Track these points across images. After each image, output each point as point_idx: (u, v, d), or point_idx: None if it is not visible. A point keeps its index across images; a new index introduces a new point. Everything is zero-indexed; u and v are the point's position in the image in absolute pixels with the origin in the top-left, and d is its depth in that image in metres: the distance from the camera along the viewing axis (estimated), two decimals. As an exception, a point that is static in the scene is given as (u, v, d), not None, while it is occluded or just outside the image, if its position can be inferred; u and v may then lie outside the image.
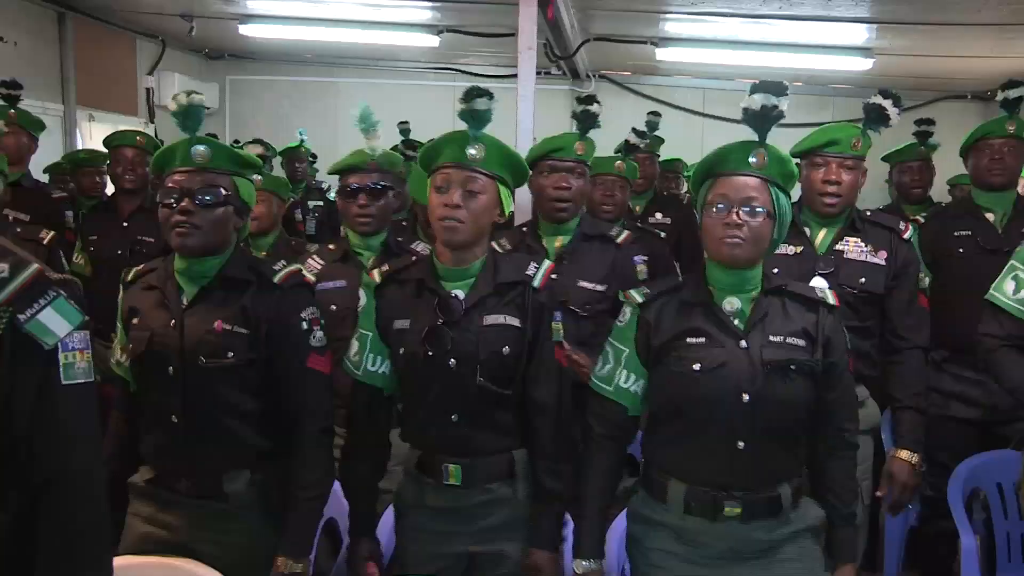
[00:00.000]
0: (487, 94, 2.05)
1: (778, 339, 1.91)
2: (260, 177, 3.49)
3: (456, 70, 7.04)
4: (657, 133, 4.52)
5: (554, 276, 2.13)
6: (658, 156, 5.00)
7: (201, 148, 2.01)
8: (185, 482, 2.04)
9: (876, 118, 2.68)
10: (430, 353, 2.01)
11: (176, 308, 2.02)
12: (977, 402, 3.08)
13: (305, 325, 2.07)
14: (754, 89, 1.95)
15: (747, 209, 1.87)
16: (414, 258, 2.20)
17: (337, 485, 2.38)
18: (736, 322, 1.94)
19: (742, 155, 1.91)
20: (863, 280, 2.61)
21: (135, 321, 2.05)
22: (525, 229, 2.92)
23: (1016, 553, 2.80)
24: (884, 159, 4.47)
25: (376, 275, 2.14)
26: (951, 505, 2.82)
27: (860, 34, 4.77)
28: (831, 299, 1.99)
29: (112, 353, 2.17)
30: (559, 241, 2.77)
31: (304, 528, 2.06)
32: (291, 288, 2.08)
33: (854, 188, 2.67)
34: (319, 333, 2.10)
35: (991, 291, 2.56)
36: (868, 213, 2.84)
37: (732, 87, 6.83)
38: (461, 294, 2.04)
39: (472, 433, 2.05)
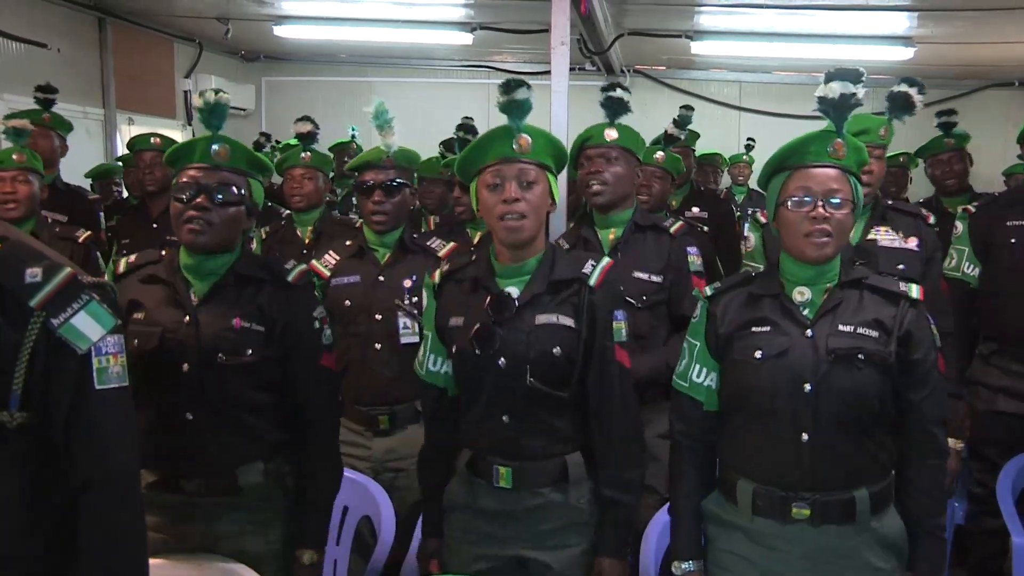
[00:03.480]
0: (525, 84, 2.01)
1: (847, 328, 1.85)
2: (308, 154, 3.58)
3: (490, 67, 7.03)
4: (693, 128, 4.50)
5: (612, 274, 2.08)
6: (694, 151, 4.97)
7: (219, 146, 2.00)
8: (196, 482, 2.02)
9: (902, 105, 2.65)
10: (479, 352, 1.98)
11: (189, 304, 2.00)
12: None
13: (317, 324, 2.10)
14: (829, 77, 1.89)
15: (833, 201, 1.83)
16: (473, 256, 2.18)
17: (366, 480, 2.46)
18: (806, 312, 1.89)
19: (821, 146, 1.87)
20: (902, 267, 2.59)
21: (138, 316, 2.01)
22: (572, 224, 2.90)
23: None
24: (915, 155, 4.41)
25: (436, 276, 2.14)
26: (1000, 502, 2.76)
27: (901, 22, 4.69)
28: (915, 293, 1.92)
29: None
30: (612, 233, 2.72)
31: (319, 520, 2.12)
32: (304, 287, 2.11)
33: (881, 177, 2.68)
34: (327, 331, 2.13)
35: None
36: (889, 203, 2.83)
37: (769, 80, 6.79)
38: (515, 291, 2.01)
39: (523, 435, 2.02)
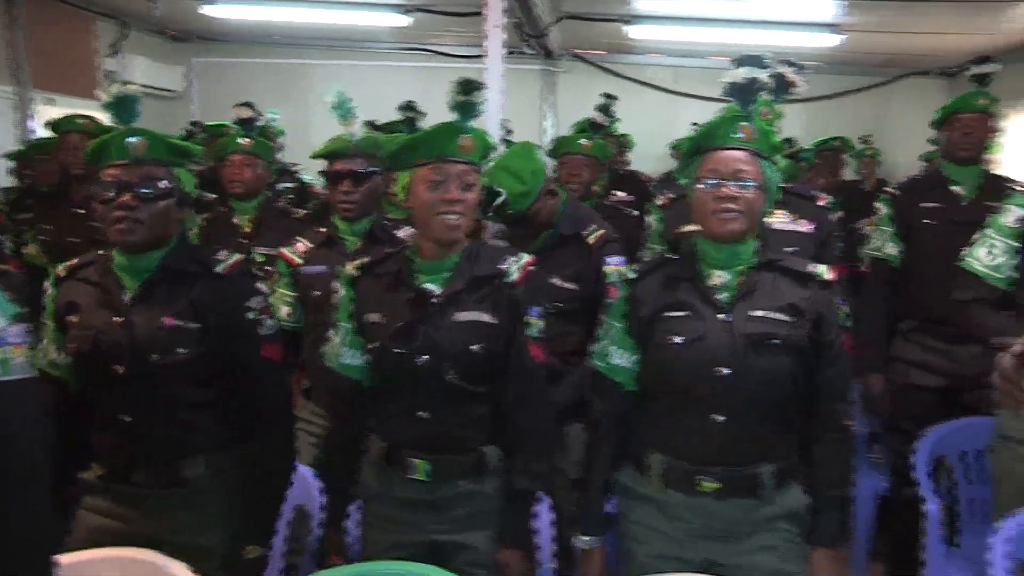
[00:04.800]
0: (481, 86, 2.06)
1: (762, 313, 1.94)
2: (248, 139, 3.54)
3: (427, 50, 7.06)
4: (632, 112, 4.62)
5: (535, 268, 2.14)
6: (620, 137, 5.12)
7: (136, 140, 1.94)
8: (141, 474, 2.01)
9: (784, 86, 2.80)
10: (404, 351, 2.01)
11: (120, 305, 1.98)
12: (942, 371, 3.17)
13: (253, 315, 2.06)
14: (736, 63, 2.03)
15: (738, 183, 1.91)
16: (388, 251, 2.20)
17: (307, 471, 2.42)
18: (723, 296, 1.98)
19: (729, 129, 1.95)
20: (795, 249, 2.71)
21: (74, 319, 2.00)
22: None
23: (977, 517, 2.89)
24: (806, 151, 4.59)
25: (352, 268, 2.15)
26: (915, 472, 2.91)
27: (829, 10, 4.84)
28: (825, 275, 2.01)
29: (44, 352, 2.07)
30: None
31: (266, 514, 2.08)
32: (237, 278, 2.07)
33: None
34: (268, 321, 2.10)
35: (966, 258, 2.70)
36: (786, 186, 2.93)
37: (703, 65, 6.90)
38: (436, 288, 2.05)
39: (442, 430, 2.05)
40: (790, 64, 2.86)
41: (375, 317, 2.07)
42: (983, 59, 3.40)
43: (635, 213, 3.95)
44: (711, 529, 1.98)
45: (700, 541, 1.99)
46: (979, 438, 2.85)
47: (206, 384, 2.03)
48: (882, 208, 3.41)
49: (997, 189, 3.09)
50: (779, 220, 2.86)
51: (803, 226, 2.86)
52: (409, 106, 4.16)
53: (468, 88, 2.03)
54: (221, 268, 2.05)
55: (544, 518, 2.28)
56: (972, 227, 2.77)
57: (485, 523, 2.09)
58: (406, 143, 2.06)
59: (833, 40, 5.40)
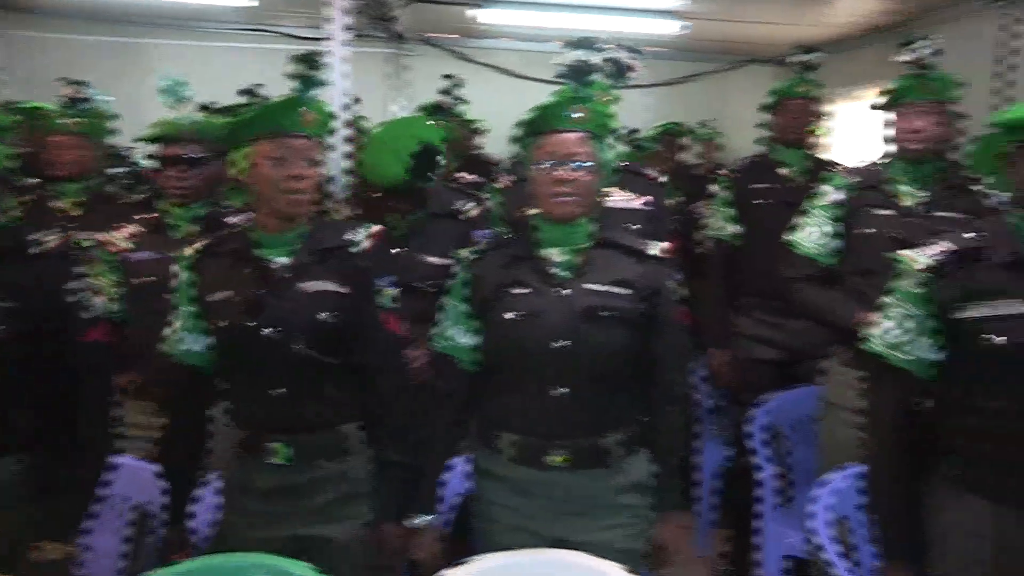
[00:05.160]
0: (321, 59, 2.05)
1: (598, 287, 2.02)
2: (77, 120, 3.38)
3: (272, 31, 6.89)
4: (484, 96, 4.66)
5: (401, 251, 2.14)
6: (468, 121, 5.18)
7: None
8: None
9: (618, 72, 2.93)
10: (249, 324, 1.99)
11: None
12: (777, 344, 3.34)
13: (75, 296, 2.02)
14: (569, 46, 2.09)
15: (573, 165, 1.97)
16: (229, 230, 2.17)
17: (146, 467, 2.40)
18: (561, 272, 2.04)
19: (563, 111, 2.00)
20: (637, 225, 2.85)
21: None
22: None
23: (810, 480, 3.04)
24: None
25: (192, 249, 2.12)
26: (750, 440, 3.07)
27: (672, -2, 5.02)
28: (658, 251, 2.11)
29: None
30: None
31: (73, 510, 2.02)
32: (55, 259, 2.02)
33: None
34: (98, 303, 2.07)
35: (790, 236, 2.87)
36: (625, 164, 3.09)
37: (551, 49, 6.93)
38: (282, 261, 2.03)
39: (297, 407, 2.04)
40: (629, 50, 2.98)
41: (220, 295, 2.03)
42: (807, 48, 3.61)
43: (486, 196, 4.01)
44: (564, 504, 2.05)
45: (553, 517, 2.05)
46: (809, 406, 3.04)
47: (25, 370, 1.96)
48: (719, 189, 3.55)
49: (822, 171, 3.28)
50: (618, 197, 2.97)
51: (640, 202, 2.98)
52: (251, 90, 4.08)
53: (308, 61, 2.02)
54: (40, 248, 1.99)
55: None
56: (800, 207, 2.95)
57: (353, 511, 2.08)
58: (245, 118, 2.02)
59: (675, 27, 5.58)
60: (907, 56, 2.76)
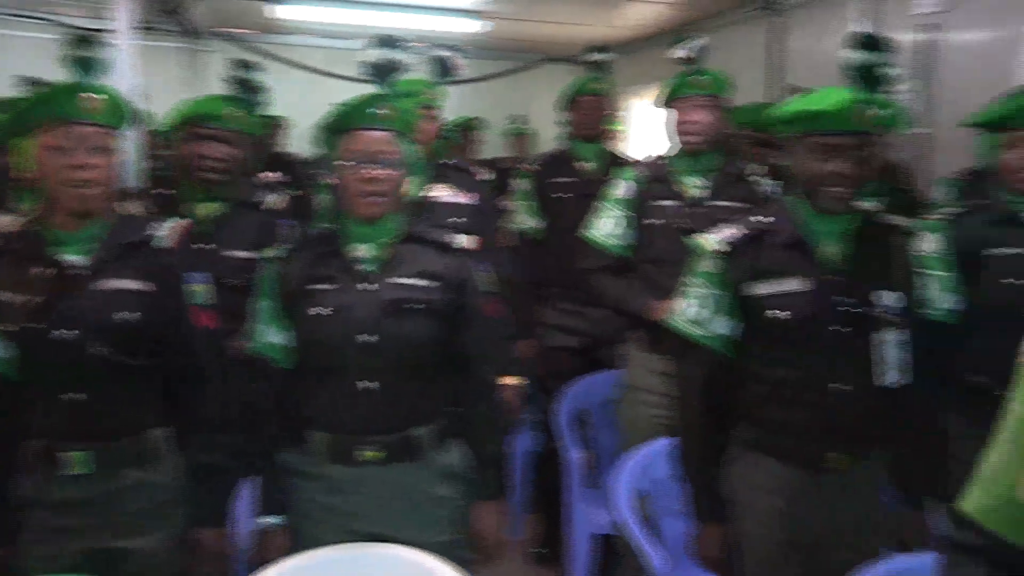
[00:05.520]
0: (98, 40, 1.97)
1: (404, 281, 2.03)
2: None
3: (48, 20, 6.48)
4: (286, 93, 4.57)
5: (208, 246, 2.07)
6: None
7: None
8: None
9: (441, 70, 3.02)
10: (37, 326, 1.89)
11: None
12: (579, 332, 3.45)
13: None
14: (372, 44, 2.08)
15: (379, 163, 1.97)
16: (11, 229, 2.04)
17: None
18: (367, 267, 2.04)
19: (368, 109, 2.00)
20: (463, 219, 2.91)
21: None
22: None
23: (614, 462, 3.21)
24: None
25: None
26: (556, 425, 3.17)
27: (472, -3, 5.11)
28: (464, 243, 2.14)
29: None
30: (205, 209, 2.66)
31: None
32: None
33: (432, 137, 2.96)
34: None
35: (586, 229, 2.98)
36: (451, 162, 3.17)
37: (354, 47, 6.88)
38: (79, 259, 1.94)
39: (99, 414, 1.95)
40: (454, 49, 3.04)
41: (5, 296, 1.92)
42: (599, 48, 3.77)
43: (296, 193, 3.96)
44: (380, 499, 2.05)
45: (370, 513, 2.05)
46: (611, 390, 3.18)
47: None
48: (520, 184, 3.65)
49: (616, 165, 3.44)
50: (445, 194, 3.02)
51: (466, 198, 3.03)
52: (32, 80, 3.84)
53: (83, 42, 1.94)
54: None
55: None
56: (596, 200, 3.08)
57: (157, 523, 2.01)
58: (22, 107, 1.91)
59: (476, 26, 5.68)
60: (678, 53, 2.94)
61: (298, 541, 2.06)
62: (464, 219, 2.94)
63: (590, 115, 3.62)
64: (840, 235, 2.07)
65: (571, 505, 3.19)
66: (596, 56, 3.74)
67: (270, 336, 2.09)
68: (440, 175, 3.03)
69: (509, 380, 2.98)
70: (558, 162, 3.67)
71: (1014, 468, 1.01)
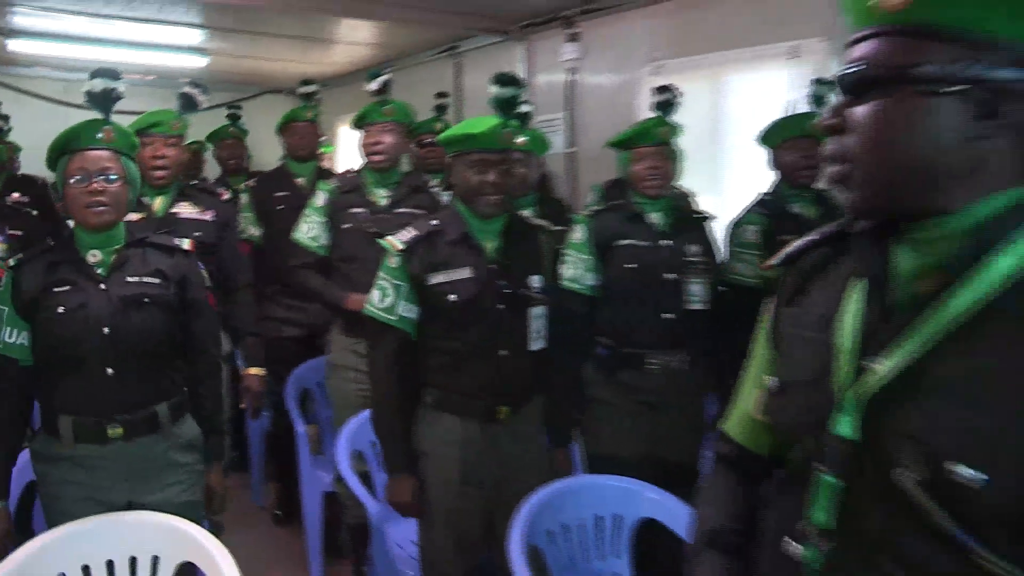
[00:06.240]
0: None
1: (134, 279, 1.97)
2: None
3: None
4: (25, 121, 4.06)
5: None
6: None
7: None
8: None
9: (187, 104, 2.83)
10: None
11: None
12: (300, 323, 3.36)
13: None
14: (93, 75, 1.98)
15: (106, 177, 1.89)
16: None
17: None
18: (100, 270, 1.96)
19: (92, 132, 1.92)
20: (199, 233, 2.72)
21: None
22: None
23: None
24: (207, 139, 4.65)
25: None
26: (287, 404, 3.08)
27: (195, 36, 4.75)
28: (186, 246, 2.10)
29: None
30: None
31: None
32: None
33: (177, 162, 2.79)
34: None
35: (293, 233, 2.91)
36: (193, 183, 3.06)
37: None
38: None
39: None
40: (196, 85, 2.88)
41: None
42: (307, 81, 3.67)
43: (35, 212, 3.50)
44: (126, 471, 1.97)
45: (118, 484, 1.97)
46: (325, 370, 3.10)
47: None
48: (244, 198, 3.50)
49: (322, 178, 3.33)
50: (187, 210, 2.85)
51: (208, 215, 2.87)
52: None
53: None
54: None
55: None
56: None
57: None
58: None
59: (200, 62, 5.33)
60: (371, 86, 2.92)
61: (51, 519, 1.97)
62: (201, 232, 2.77)
63: (303, 139, 3.56)
64: (496, 233, 2.14)
65: (302, 471, 3.07)
66: (307, 88, 3.67)
67: (7, 338, 1.97)
68: (184, 195, 2.87)
69: (254, 371, 2.87)
70: (277, 178, 3.57)
71: (748, 395, 1.07)
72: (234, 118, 4.55)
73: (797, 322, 0.94)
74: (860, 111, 0.80)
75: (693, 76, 3.45)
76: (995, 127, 0.75)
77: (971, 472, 0.70)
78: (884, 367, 0.78)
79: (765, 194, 2.70)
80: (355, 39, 4.86)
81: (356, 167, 3.04)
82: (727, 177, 3.46)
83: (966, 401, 0.73)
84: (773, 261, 1.00)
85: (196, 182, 3.11)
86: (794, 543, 0.86)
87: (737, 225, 2.63)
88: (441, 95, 4.00)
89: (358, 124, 2.95)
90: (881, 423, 0.78)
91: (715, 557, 1.01)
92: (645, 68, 3.62)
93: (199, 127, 6.03)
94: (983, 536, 0.71)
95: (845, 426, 0.80)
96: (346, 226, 2.88)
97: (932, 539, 0.74)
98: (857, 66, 0.79)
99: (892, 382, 0.78)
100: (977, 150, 0.76)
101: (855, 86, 0.80)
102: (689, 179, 3.42)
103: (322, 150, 3.71)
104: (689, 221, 2.57)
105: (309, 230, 2.91)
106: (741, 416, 1.08)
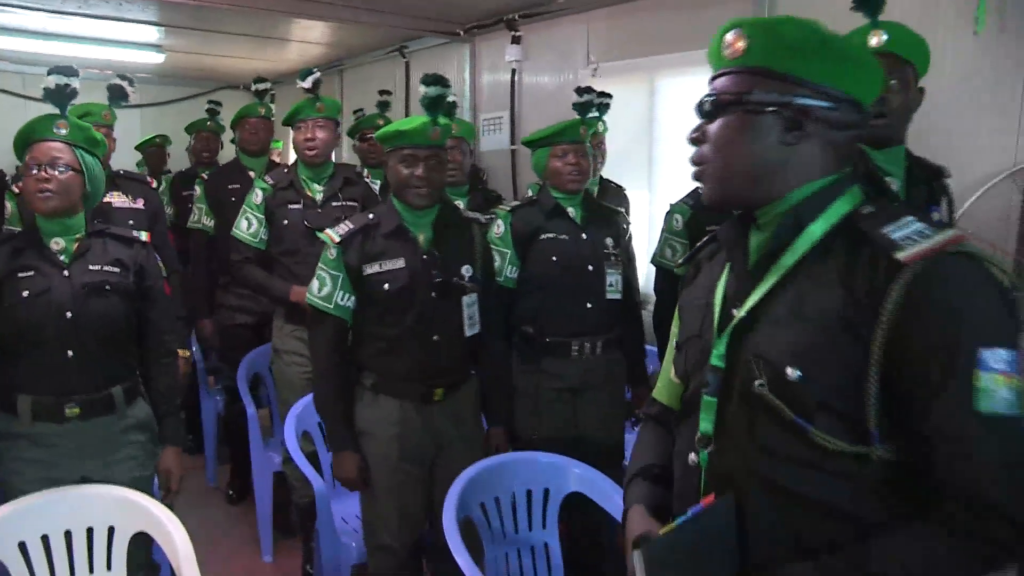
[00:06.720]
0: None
1: (95, 267, 2.04)
2: None
3: None
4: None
5: None
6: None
7: None
8: None
9: (118, 94, 2.92)
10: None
11: None
12: (253, 311, 3.39)
13: None
14: (49, 72, 2.04)
15: (55, 168, 1.95)
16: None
17: None
18: (62, 258, 2.02)
19: (47, 125, 1.98)
20: (131, 222, 2.80)
21: None
22: None
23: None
24: (186, 129, 4.66)
25: None
26: (239, 389, 3.14)
27: (151, 34, 4.77)
28: (144, 237, 2.18)
29: None
30: None
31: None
32: None
33: (109, 152, 2.83)
34: None
35: (235, 229, 2.94)
36: (122, 172, 3.06)
37: (40, 72, 6.21)
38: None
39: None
40: (123, 78, 2.93)
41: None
42: (260, 79, 3.72)
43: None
44: (82, 449, 2.02)
45: (74, 461, 2.02)
46: (267, 357, 3.15)
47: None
48: (198, 190, 3.55)
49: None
50: (119, 200, 2.91)
51: (138, 204, 2.94)
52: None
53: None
54: None
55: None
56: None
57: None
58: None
59: (157, 58, 5.35)
60: (303, 84, 2.97)
61: (8, 494, 1.99)
62: (132, 220, 2.86)
63: (255, 134, 3.60)
64: (429, 225, 2.22)
65: (253, 453, 3.15)
66: (261, 85, 3.71)
67: None
68: (115, 184, 2.93)
69: (182, 352, 2.93)
70: (231, 171, 3.61)
71: (668, 363, 1.32)
72: (213, 113, 4.52)
73: (691, 296, 1.23)
74: (712, 127, 1.09)
75: (629, 78, 3.60)
76: (802, 136, 1.04)
77: (798, 372, 0.96)
78: (741, 312, 1.06)
79: (697, 188, 2.83)
80: (308, 38, 4.93)
81: (289, 164, 3.10)
82: (659, 173, 3.62)
83: (789, 324, 1.00)
84: (680, 262, 1.33)
85: (124, 171, 3.13)
86: (693, 454, 1.10)
87: (668, 214, 2.76)
88: (384, 92, 4.08)
89: (290, 121, 3.00)
90: (740, 351, 1.05)
91: (644, 483, 1.25)
92: (583, 70, 3.76)
93: (160, 123, 6.12)
94: (812, 420, 0.96)
95: (716, 358, 1.08)
96: (284, 221, 2.93)
97: (782, 429, 0.98)
98: (711, 95, 1.09)
99: (744, 320, 1.05)
100: (789, 152, 1.05)
101: (710, 110, 1.08)
102: (624, 175, 3.59)
103: (272, 145, 3.77)
104: (603, 215, 2.67)
105: (248, 226, 2.94)
106: (664, 382, 1.32)
